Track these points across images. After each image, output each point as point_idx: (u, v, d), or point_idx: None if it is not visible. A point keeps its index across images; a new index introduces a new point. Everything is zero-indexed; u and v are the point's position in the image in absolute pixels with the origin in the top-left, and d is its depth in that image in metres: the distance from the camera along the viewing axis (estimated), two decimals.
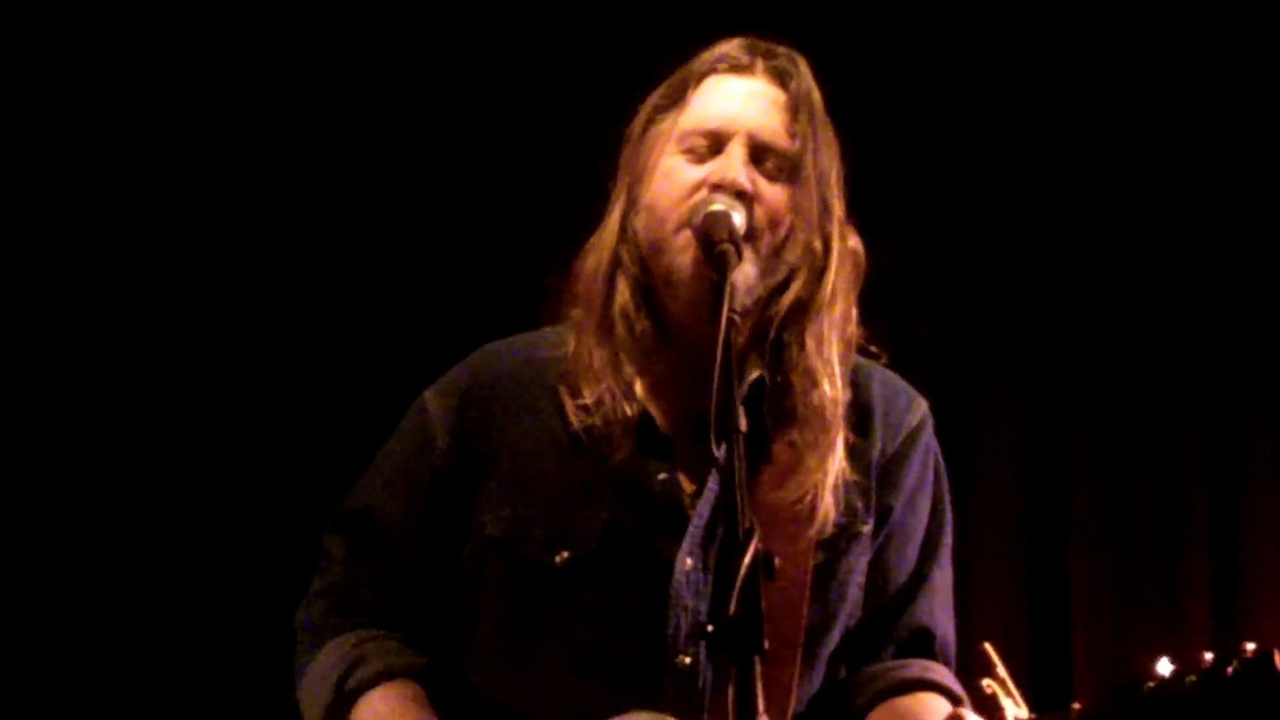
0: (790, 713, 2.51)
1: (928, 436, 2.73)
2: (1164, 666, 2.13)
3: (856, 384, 2.67)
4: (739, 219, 2.48)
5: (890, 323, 4.24)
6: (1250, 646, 2.08)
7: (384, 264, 4.21)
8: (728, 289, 2.35)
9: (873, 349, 2.71)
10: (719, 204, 2.49)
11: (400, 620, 2.64)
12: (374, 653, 2.58)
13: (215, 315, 4.15)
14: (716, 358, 2.25)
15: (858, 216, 2.68)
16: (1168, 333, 4.48)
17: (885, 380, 2.74)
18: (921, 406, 2.74)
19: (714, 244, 2.44)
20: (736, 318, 2.36)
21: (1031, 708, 2.38)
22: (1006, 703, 2.23)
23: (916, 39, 4.51)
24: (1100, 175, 4.51)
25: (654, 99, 2.68)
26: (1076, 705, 2.20)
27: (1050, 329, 4.50)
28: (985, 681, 2.23)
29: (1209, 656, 2.10)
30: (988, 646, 2.22)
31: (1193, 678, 2.09)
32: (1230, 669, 2.06)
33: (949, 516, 2.75)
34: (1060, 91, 4.51)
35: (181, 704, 4.01)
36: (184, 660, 4.02)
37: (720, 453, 2.20)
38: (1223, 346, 4.49)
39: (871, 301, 2.69)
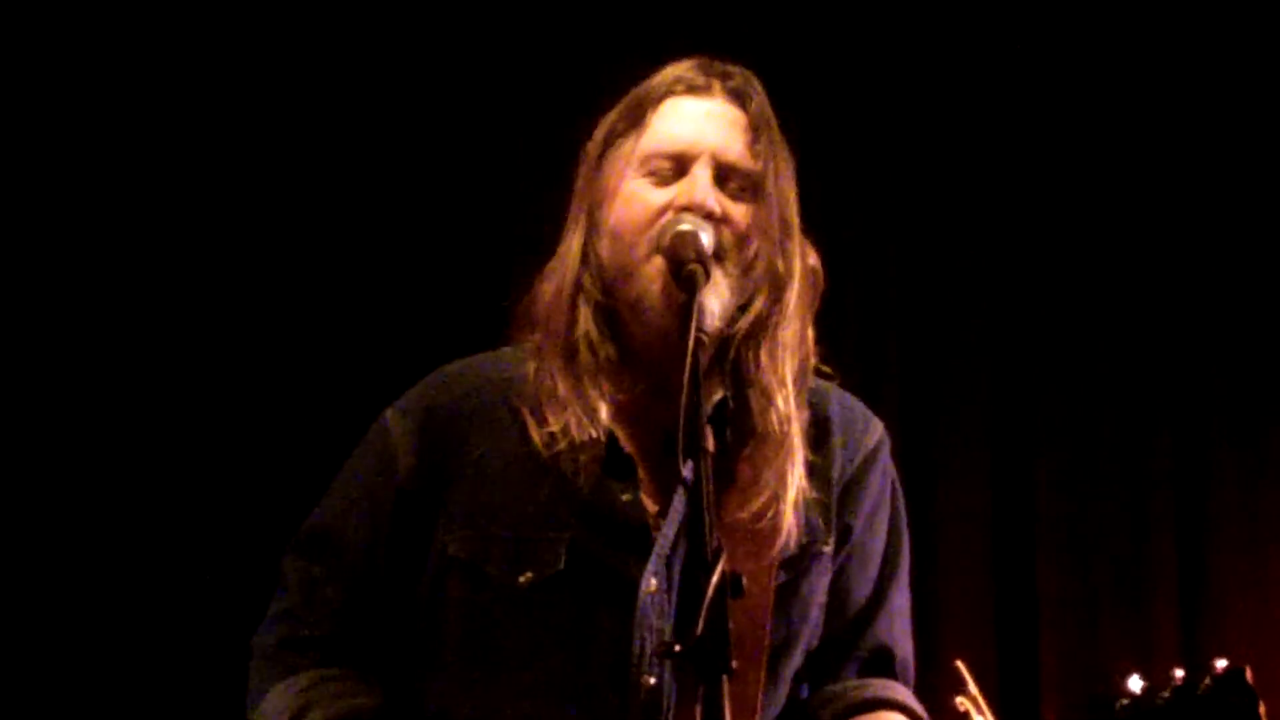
0: None
1: (885, 457, 2.74)
2: (1135, 684, 2.14)
3: (815, 405, 2.67)
4: (707, 239, 2.47)
5: (860, 339, 4.23)
6: (1221, 663, 2.09)
7: (345, 282, 4.20)
8: (695, 309, 2.34)
9: (827, 369, 2.71)
10: (687, 224, 2.48)
11: (356, 647, 2.62)
12: (320, 699, 2.55)
13: (166, 331, 4.13)
14: (684, 378, 2.24)
15: (827, 240, 2.68)
16: (1137, 347, 4.53)
17: (843, 401, 2.74)
18: (879, 428, 2.75)
19: (682, 264, 2.43)
20: (705, 338, 2.34)
21: None
22: (978, 719, 2.24)
23: (890, 58, 4.52)
24: (1068, 198, 4.56)
25: (609, 122, 2.66)
26: None
27: (1019, 347, 4.52)
28: (958, 699, 2.23)
29: (1180, 674, 2.11)
30: (960, 664, 2.22)
31: (1165, 694, 2.10)
32: (1202, 685, 2.06)
33: (906, 538, 2.75)
34: (1035, 121, 4.54)
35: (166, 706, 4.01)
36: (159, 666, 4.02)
37: (688, 472, 2.19)
38: (1190, 364, 4.53)
39: (841, 323, 2.69)
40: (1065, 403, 4.50)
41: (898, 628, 2.70)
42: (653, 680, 2.48)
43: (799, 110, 2.67)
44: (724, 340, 2.57)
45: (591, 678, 2.49)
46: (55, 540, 4.02)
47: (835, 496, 2.65)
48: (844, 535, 2.65)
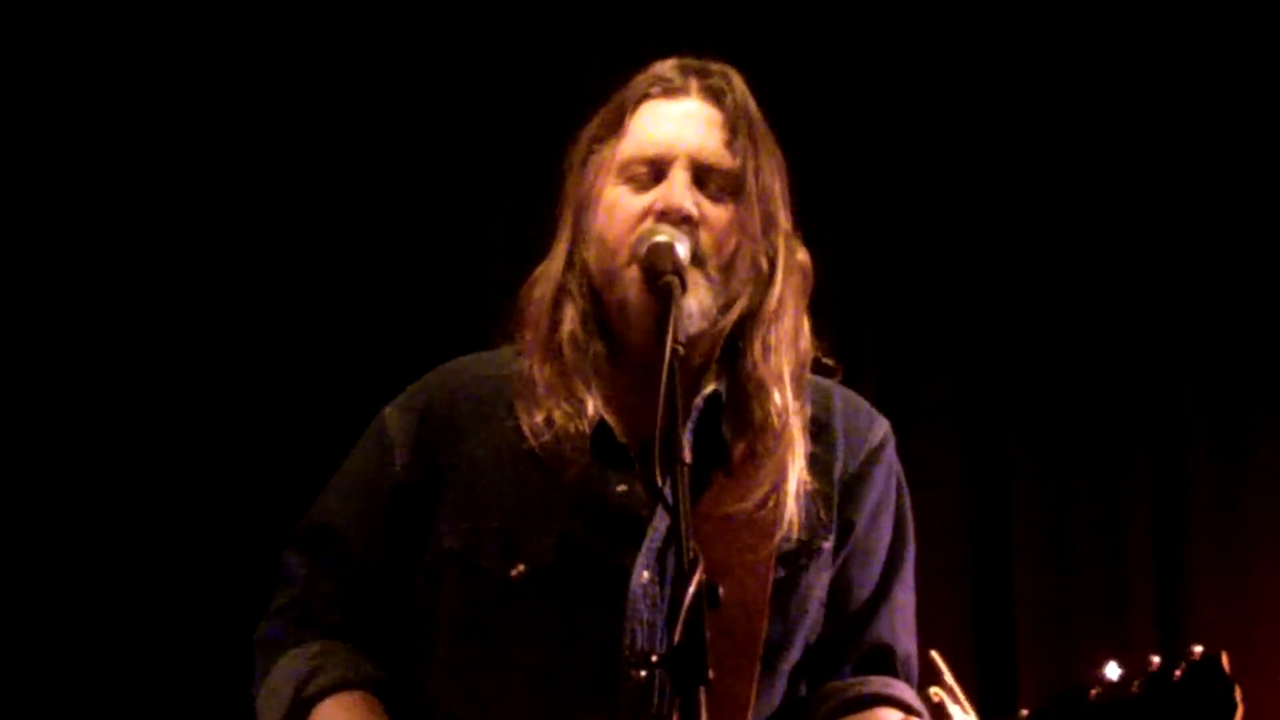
0: None
1: (890, 455, 2.72)
2: (1111, 671, 2.13)
3: (818, 402, 2.67)
4: (683, 249, 2.47)
5: (836, 344, 4.21)
6: (1197, 650, 2.08)
7: (342, 282, 4.21)
8: (671, 321, 2.34)
9: (828, 362, 2.70)
10: (663, 235, 2.48)
11: (360, 633, 2.65)
12: (332, 663, 2.59)
13: (159, 331, 4.14)
14: (661, 390, 2.23)
15: (803, 234, 2.68)
16: (1113, 356, 4.50)
17: (846, 399, 2.73)
18: (884, 425, 2.74)
19: (658, 275, 2.43)
20: (680, 348, 2.33)
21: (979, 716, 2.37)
22: (954, 710, 2.22)
23: (867, 54, 4.52)
24: (1047, 205, 4.53)
25: (591, 127, 2.67)
26: (1025, 712, 2.19)
27: (995, 356, 4.51)
28: (933, 690, 2.22)
29: (1156, 660, 2.10)
30: (934, 655, 2.22)
31: (1140, 681, 2.09)
32: (1178, 672, 2.05)
33: (911, 536, 2.73)
34: (1014, 118, 4.54)
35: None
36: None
37: (665, 486, 2.20)
38: (1167, 374, 4.51)
39: (816, 317, 2.69)
40: (1041, 413, 4.48)
41: (899, 624, 2.68)
42: (643, 674, 2.48)
43: (782, 100, 2.67)
44: (715, 335, 2.57)
45: (581, 669, 2.50)
46: (52, 539, 4.04)
47: (838, 492, 2.64)
48: (845, 531, 2.64)
